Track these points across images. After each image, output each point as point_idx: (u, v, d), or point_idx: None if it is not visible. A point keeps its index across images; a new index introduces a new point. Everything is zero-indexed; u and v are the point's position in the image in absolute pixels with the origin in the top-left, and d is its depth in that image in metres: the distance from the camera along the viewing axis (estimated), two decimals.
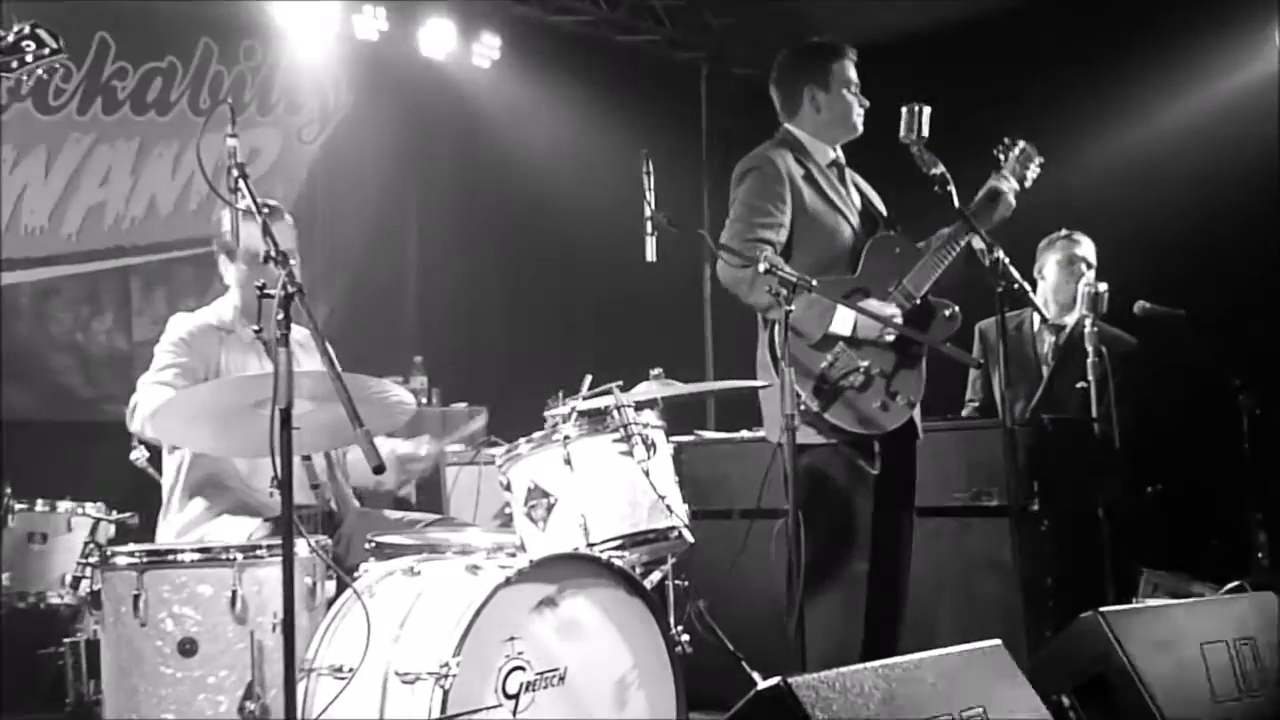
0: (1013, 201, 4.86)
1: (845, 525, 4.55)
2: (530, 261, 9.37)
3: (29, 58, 3.78)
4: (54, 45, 3.79)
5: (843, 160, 4.94)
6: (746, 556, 5.19)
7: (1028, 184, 4.97)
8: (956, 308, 4.77)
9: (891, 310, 4.58)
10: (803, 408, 4.42)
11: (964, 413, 6.39)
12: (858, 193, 4.94)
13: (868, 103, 4.88)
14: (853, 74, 4.89)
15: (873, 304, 4.57)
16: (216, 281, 4.92)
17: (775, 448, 4.54)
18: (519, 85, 9.47)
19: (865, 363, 4.54)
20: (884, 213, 4.97)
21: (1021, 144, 4.97)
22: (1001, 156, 4.96)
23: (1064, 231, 6.31)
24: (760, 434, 4.83)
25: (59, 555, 5.89)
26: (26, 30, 3.77)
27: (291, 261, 3.45)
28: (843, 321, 4.56)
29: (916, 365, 4.70)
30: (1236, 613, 4.26)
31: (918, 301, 4.67)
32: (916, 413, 4.79)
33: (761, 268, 4.20)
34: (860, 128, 4.88)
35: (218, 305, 4.81)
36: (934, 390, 4.77)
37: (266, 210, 3.80)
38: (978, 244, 4.65)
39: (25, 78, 3.84)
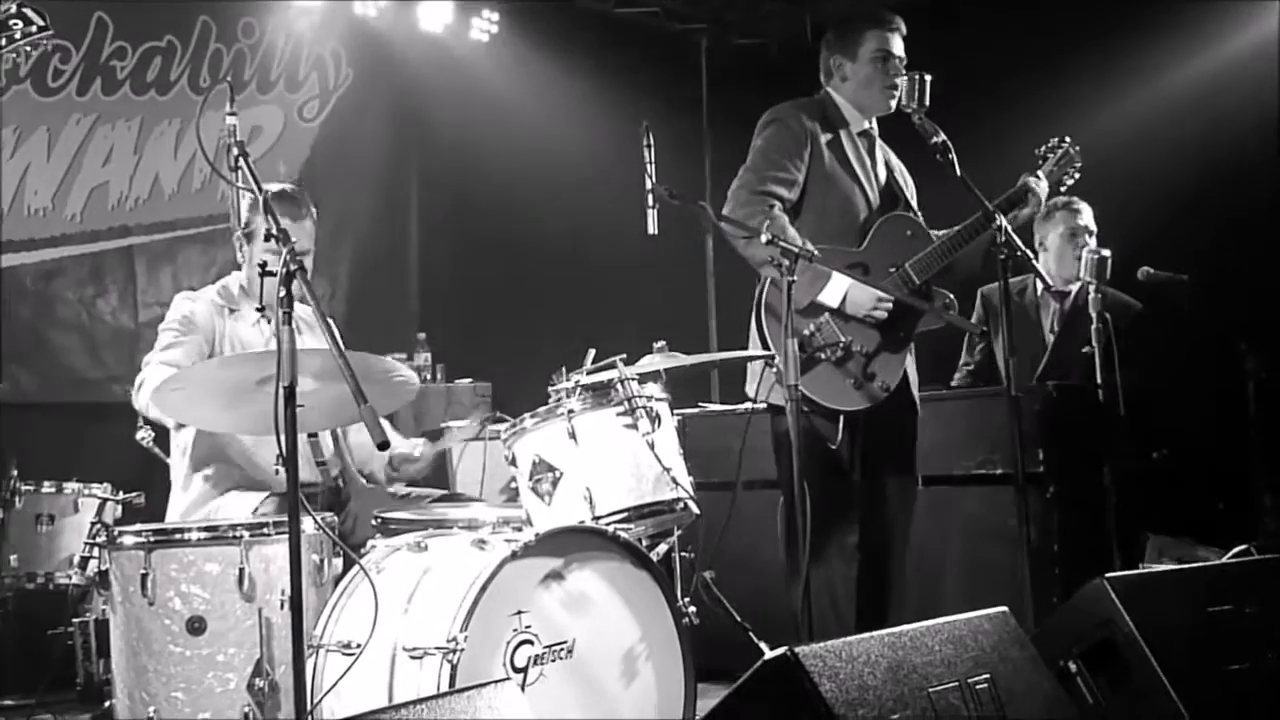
0: (1042, 201, 4.85)
1: (827, 494, 4.51)
2: (532, 236, 9.35)
3: (17, 35, 3.79)
4: (40, 23, 3.81)
5: (875, 133, 4.92)
6: (752, 526, 5.19)
7: (1062, 189, 4.96)
8: (953, 298, 4.76)
9: (887, 291, 4.56)
10: (776, 370, 4.43)
11: (957, 376, 6.38)
12: (886, 169, 4.91)
13: (901, 76, 4.77)
14: (890, 45, 4.83)
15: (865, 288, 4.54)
16: (222, 259, 4.92)
17: (748, 416, 4.55)
18: (518, 59, 9.44)
19: (848, 338, 4.54)
20: (910, 196, 4.93)
21: (1066, 146, 4.94)
22: (1041, 159, 4.93)
23: (1063, 199, 6.28)
24: (763, 406, 4.82)
25: (66, 536, 5.92)
26: (13, 9, 3.79)
27: (306, 264, 3.44)
28: (833, 293, 4.56)
29: (900, 351, 4.69)
30: (1243, 577, 4.26)
31: (916, 285, 4.65)
32: (914, 387, 4.78)
33: (764, 238, 4.18)
34: (891, 105, 4.81)
35: (223, 283, 4.81)
36: (933, 358, 4.76)
37: (283, 194, 3.78)
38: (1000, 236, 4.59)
39: (18, 56, 3.85)
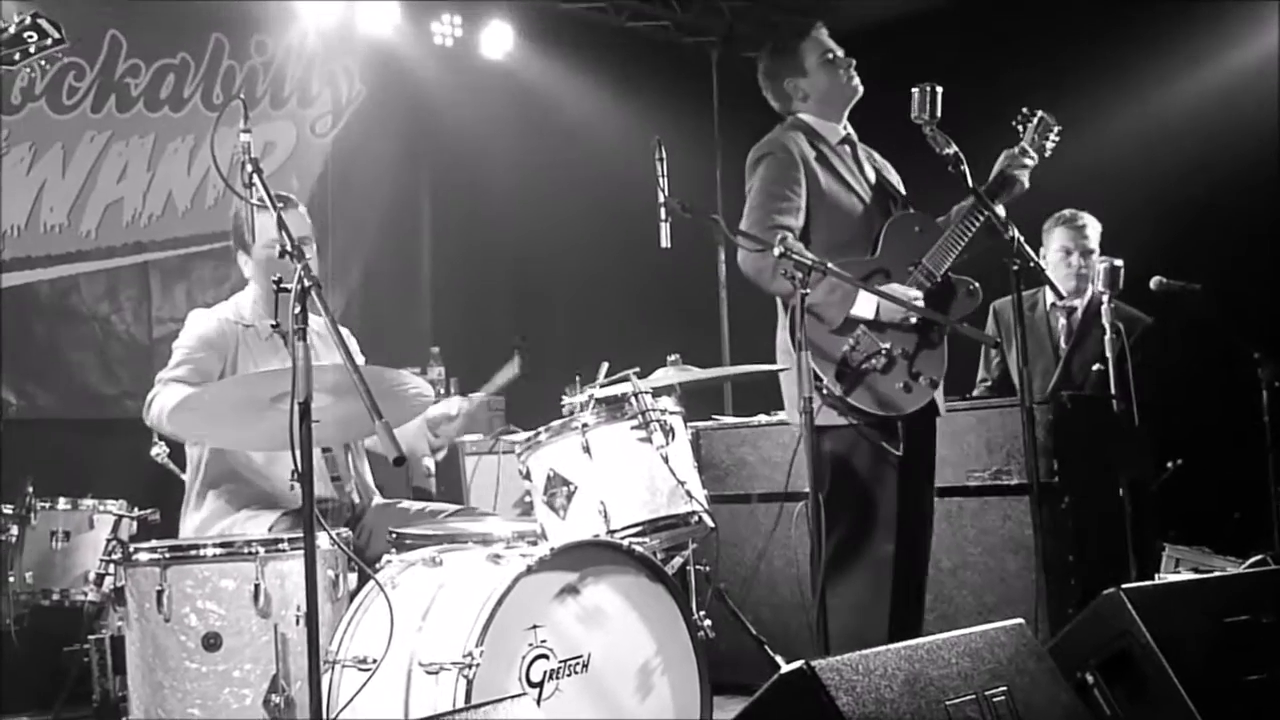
0: (1026, 179, 4.84)
1: (871, 507, 4.52)
2: (544, 249, 9.37)
3: (31, 48, 3.79)
4: (56, 35, 3.80)
5: (854, 136, 4.91)
6: (767, 540, 5.20)
7: (1047, 154, 4.94)
8: (977, 284, 4.75)
9: (914, 293, 4.55)
10: (825, 391, 4.42)
11: (976, 391, 6.38)
12: (872, 169, 4.91)
13: (852, 60, 4.83)
14: (825, 42, 4.86)
15: (895, 287, 4.53)
16: (235, 275, 4.93)
17: (799, 436, 4.55)
18: (530, 74, 9.47)
19: (887, 345, 4.52)
20: (900, 189, 4.93)
21: (1040, 114, 4.92)
22: (1020, 128, 4.92)
23: (1069, 213, 6.27)
24: (780, 417, 4.82)
25: (82, 553, 5.93)
26: (28, 21, 3.79)
27: (307, 252, 3.45)
28: (865, 305, 4.54)
29: (938, 345, 4.67)
30: (1259, 587, 4.25)
31: (938, 280, 4.65)
32: (939, 391, 4.77)
33: (776, 252, 4.18)
34: (858, 88, 4.83)
35: (236, 300, 4.82)
36: (949, 369, 4.76)
37: (280, 202, 3.80)
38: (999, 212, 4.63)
39: (32, 71, 3.85)
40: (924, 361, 4.62)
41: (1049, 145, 4.92)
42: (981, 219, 4.65)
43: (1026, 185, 4.83)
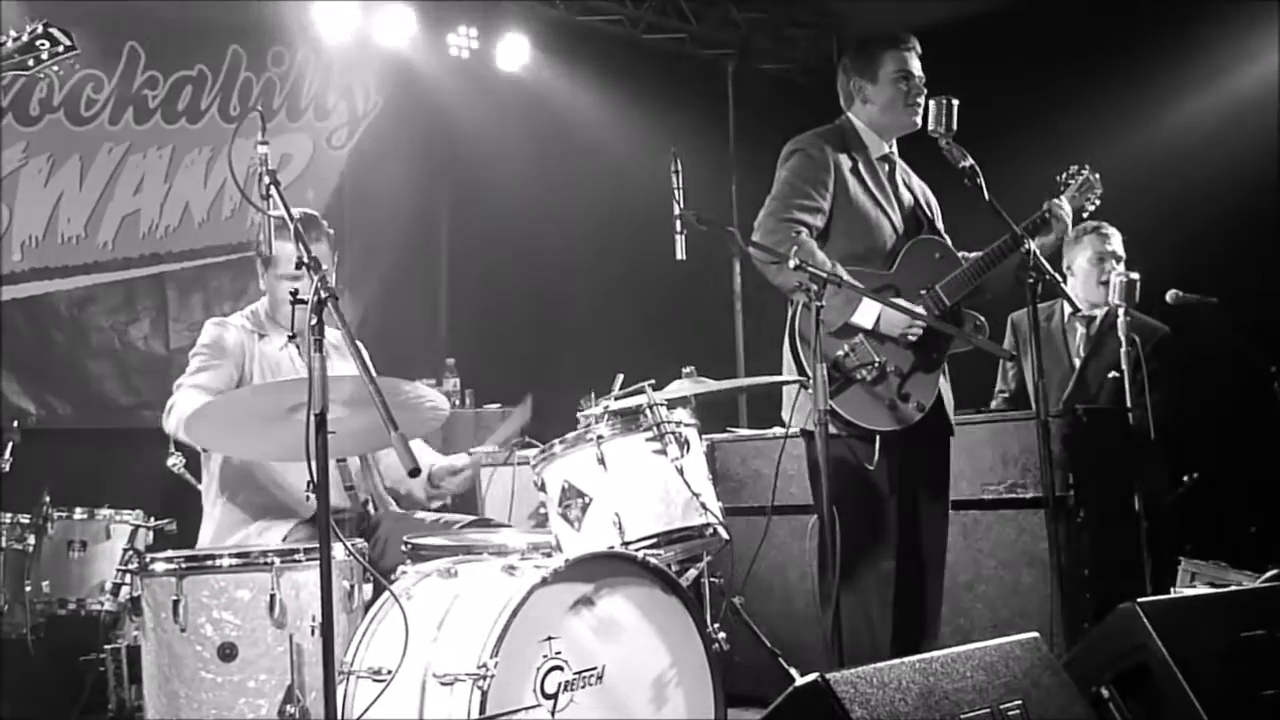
0: (1069, 228, 4.84)
1: (863, 518, 4.48)
2: (560, 262, 9.38)
3: (44, 55, 3.87)
4: (67, 43, 3.89)
5: (895, 156, 4.91)
6: (782, 552, 5.18)
7: (1085, 215, 4.95)
8: (984, 320, 4.74)
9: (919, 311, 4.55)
10: (810, 391, 4.42)
11: (993, 403, 6.37)
12: (909, 192, 4.90)
13: (923, 94, 4.77)
14: (908, 64, 4.82)
15: (901, 303, 4.53)
16: (252, 286, 4.95)
17: (783, 443, 4.55)
18: (546, 85, 9.49)
19: (882, 359, 4.52)
20: (934, 217, 4.92)
21: (1086, 173, 4.93)
22: (1063, 185, 4.93)
23: (1092, 224, 6.27)
24: (794, 431, 4.81)
25: (98, 562, 5.94)
26: (40, 30, 3.87)
27: (325, 269, 3.47)
28: (866, 314, 4.54)
29: (934, 370, 4.66)
30: (1275, 601, 4.24)
31: (946, 306, 4.64)
32: (950, 409, 4.76)
33: (791, 264, 4.17)
34: (917, 122, 4.76)
35: (252, 308, 4.84)
36: (965, 383, 4.75)
37: (300, 218, 3.82)
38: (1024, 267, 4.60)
39: (50, 80, 3.95)
40: (916, 384, 4.61)
41: (1089, 205, 4.93)
42: (1006, 260, 4.62)
43: (1064, 235, 4.85)
